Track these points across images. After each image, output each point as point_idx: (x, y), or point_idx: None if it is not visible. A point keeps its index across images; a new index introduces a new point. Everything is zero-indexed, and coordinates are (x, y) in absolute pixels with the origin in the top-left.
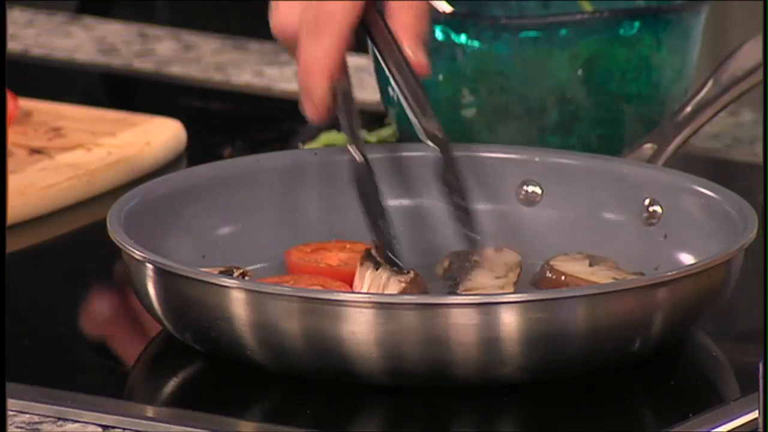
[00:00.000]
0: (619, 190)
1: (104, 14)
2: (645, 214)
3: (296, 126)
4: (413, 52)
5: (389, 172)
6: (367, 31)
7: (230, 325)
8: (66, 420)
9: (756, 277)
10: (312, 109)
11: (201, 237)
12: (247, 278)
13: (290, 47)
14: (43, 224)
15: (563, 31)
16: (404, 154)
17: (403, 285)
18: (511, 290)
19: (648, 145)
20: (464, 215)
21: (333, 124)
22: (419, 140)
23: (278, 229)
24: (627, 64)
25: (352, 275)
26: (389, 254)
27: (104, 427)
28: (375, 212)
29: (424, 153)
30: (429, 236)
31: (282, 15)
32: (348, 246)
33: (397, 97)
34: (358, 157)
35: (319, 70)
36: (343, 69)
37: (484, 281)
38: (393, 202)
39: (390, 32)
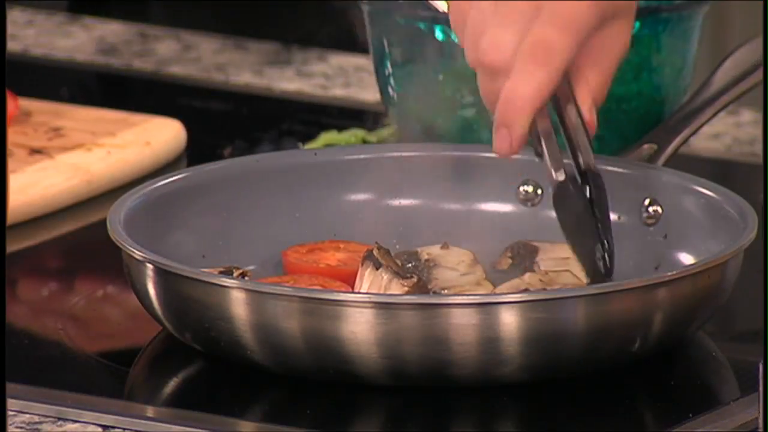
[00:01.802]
0: (619, 190)
1: (98, 13)
2: (645, 214)
3: (296, 126)
4: (590, 113)
5: (389, 172)
6: None
7: (230, 325)
8: (66, 420)
9: (756, 277)
10: (506, 144)
11: (201, 237)
12: (246, 278)
13: (493, 74)
14: (43, 224)
15: None
16: (404, 154)
17: (406, 289)
18: (487, 284)
19: (648, 145)
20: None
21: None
22: (419, 140)
23: (278, 229)
24: (627, 64)
25: (351, 275)
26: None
27: (104, 427)
28: (593, 231)
29: (424, 153)
30: (428, 236)
31: (497, 41)
32: (342, 246)
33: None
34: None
35: (526, 105)
36: (545, 108)
37: (450, 278)
38: (393, 202)
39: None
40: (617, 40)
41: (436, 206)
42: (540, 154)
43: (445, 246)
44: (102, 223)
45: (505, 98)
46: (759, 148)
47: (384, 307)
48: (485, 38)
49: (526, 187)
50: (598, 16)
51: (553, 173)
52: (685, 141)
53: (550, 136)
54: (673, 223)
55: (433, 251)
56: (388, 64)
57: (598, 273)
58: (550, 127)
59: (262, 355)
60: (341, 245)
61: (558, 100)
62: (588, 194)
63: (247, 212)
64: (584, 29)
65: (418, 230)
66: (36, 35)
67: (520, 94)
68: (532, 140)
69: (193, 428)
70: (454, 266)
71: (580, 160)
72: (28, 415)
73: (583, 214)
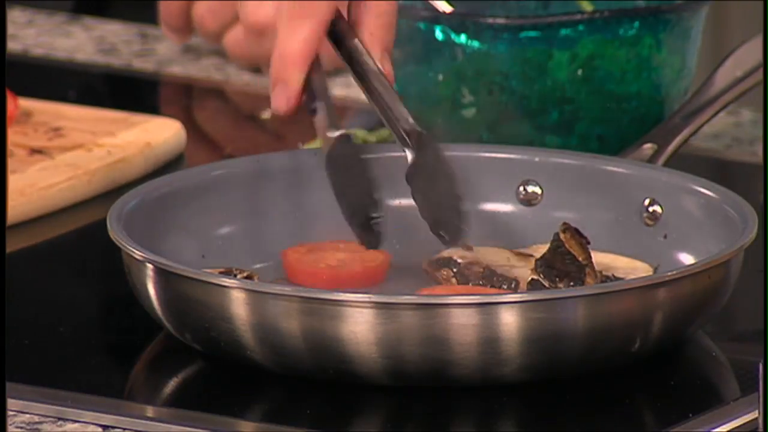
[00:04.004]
0: (619, 190)
1: (101, 14)
2: (645, 214)
3: (296, 126)
4: (381, 64)
5: (389, 172)
6: (336, 42)
7: (230, 325)
8: (66, 420)
9: (756, 277)
10: (282, 100)
11: (201, 237)
12: (256, 280)
13: (259, 34)
14: (43, 224)
15: (563, 31)
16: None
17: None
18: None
19: (648, 145)
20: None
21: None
22: None
23: (278, 229)
24: (627, 64)
25: (351, 275)
26: (367, 234)
27: (104, 427)
28: (355, 192)
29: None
30: (429, 236)
31: (258, 3)
32: (342, 246)
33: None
34: (334, 136)
35: (296, 59)
36: (317, 61)
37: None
38: (393, 202)
39: (358, 38)
40: None
41: None
42: (314, 111)
43: (468, 248)
44: (102, 223)
45: (277, 55)
46: (759, 148)
47: (384, 307)
48: (246, 3)
49: (526, 187)
50: None
51: (326, 131)
52: (685, 141)
53: (325, 91)
54: (673, 223)
55: (464, 254)
56: None
57: (371, 238)
58: (325, 82)
59: (262, 355)
60: (341, 245)
61: (353, 63)
62: (411, 157)
63: (247, 212)
64: None
65: (418, 230)
66: (36, 35)
67: (289, 49)
68: (306, 99)
69: (193, 428)
70: (505, 262)
71: (402, 125)
72: (28, 415)
73: (356, 176)
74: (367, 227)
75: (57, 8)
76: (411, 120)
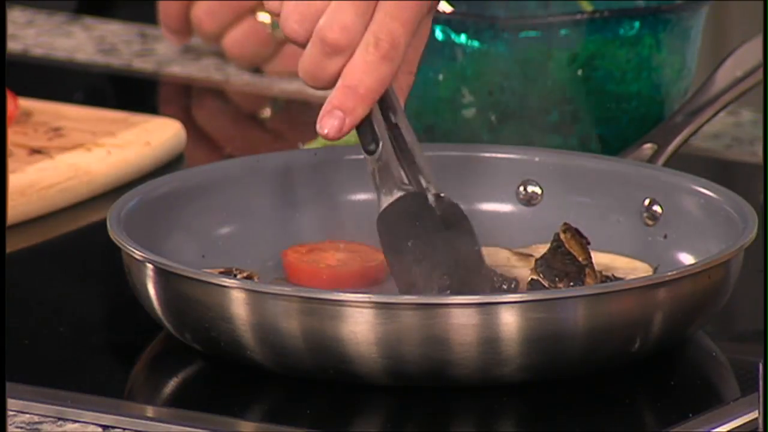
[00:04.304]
0: (619, 190)
1: (103, 14)
2: (645, 214)
3: (296, 126)
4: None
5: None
6: None
7: (230, 325)
8: (66, 420)
9: (756, 277)
10: (337, 128)
11: (201, 237)
12: (256, 280)
13: (331, 53)
14: (43, 224)
15: (563, 31)
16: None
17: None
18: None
19: (648, 145)
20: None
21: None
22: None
23: (278, 229)
24: (627, 64)
25: (352, 275)
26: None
27: (104, 427)
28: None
29: (424, 153)
30: None
31: (338, 18)
32: (342, 246)
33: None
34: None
35: (367, 95)
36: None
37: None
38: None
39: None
40: (423, 37)
41: None
42: (371, 152)
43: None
44: (102, 223)
45: (348, 84)
46: (759, 148)
47: (384, 307)
48: (328, 15)
49: (526, 187)
50: (426, 12)
51: (380, 190)
52: (685, 141)
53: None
54: (673, 223)
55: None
56: None
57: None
58: (382, 122)
59: (262, 355)
60: (341, 245)
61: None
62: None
63: (247, 212)
64: (418, 21)
65: None
66: (36, 35)
67: (365, 83)
68: (365, 136)
69: (193, 428)
70: (505, 262)
71: (429, 186)
72: (28, 415)
73: (423, 234)
74: (409, 283)
75: (57, 8)
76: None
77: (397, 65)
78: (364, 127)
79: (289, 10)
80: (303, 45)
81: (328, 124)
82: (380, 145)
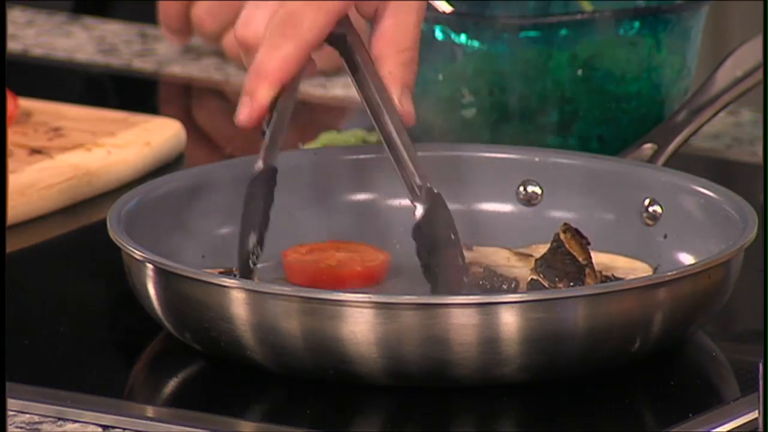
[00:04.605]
0: (619, 190)
1: (101, 14)
2: (645, 214)
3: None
4: (401, 103)
5: (389, 172)
6: (346, 59)
7: (230, 325)
8: (66, 420)
9: (756, 277)
10: (245, 113)
11: (201, 237)
12: (256, 280)
13: (247, 54)
14: (43, 224)
15: (563, 31)
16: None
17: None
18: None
19: (648, 145)
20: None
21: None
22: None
23: (277, 229)
24: (627, 64)
25: (352, 276)
26: (244, 266)
27: (104, 427)
28: (254, 222)
29: (424, 153)
30: None
31: (250, 18)
32: (342, 246)
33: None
34: (263, 164)
35: (269, 75)
36: (293, 84)
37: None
38: (393, 202)
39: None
40: (407, 12)
41: None
42: (263, 134)
43: (468, 247)
44: (102, 223)
45: (253, 68)
46: (759, 148)
47: (384, 307)
48: (240, 16)
49: (526, 187)
50: None
51: (259, 160)
52: (685, 141)
53: (282, 118)
54: (673, 223)
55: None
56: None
57: (245, 268)
58: (288, 109)
59: (262, 355)
60: (341, 245)
61: (363, 90)
62: (420, 214)
63: None
64: (337, 3)
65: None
66: (36, 35)
67: (265, 64)
68: (266, 119)
69: (193, 428)
70: (505, 262)
71: (414, 179)
72: (28, 415)
73: (259, 211)
74: (245, 260)
75: (57, 8)
76: (422, 174)
77: (304, 42)
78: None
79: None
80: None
81: (240, 112)
82: (270, 129)
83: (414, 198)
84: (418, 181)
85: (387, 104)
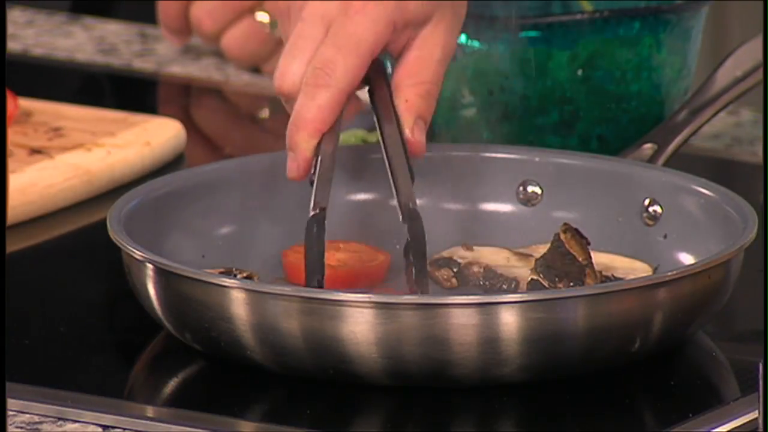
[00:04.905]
0: (619, 190)
1: (101, 13)
2: (645, 214)
3: None
4: (412, 132)
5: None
6: (370, 94)
7: (230, 325)
8: (66, 420)
9: (756, 277)
10: (294, 168)
11: (201, 237)
12: (256, 280)
13: (288, 104)
14: (43, 224)
15: (563, 31)
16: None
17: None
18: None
19: (648, 145)
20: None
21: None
22: None
23: (278, 229)
24: (627, 64)
25: (352, 275)
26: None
27: (104, 427)
28: (314, 268)
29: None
30: (428, 236)
31: (286, 70)
32: (342, 246)
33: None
34: (314, 206)
35: (308, 126)
36: (333, 129)
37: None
38: (393, 202)
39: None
40: (432, 47)
41: (437, 206)
42: (312, 183)
43: (468, 247)
44: (102, 223)
45: (291, 122)
46: (759, 148)
47: (384, 307)
48: (277, 67)
49: (526, 187)
50: (386, 31)
51: (311, 205)
52: (685, 141)
53: (327, 162)
54: (673, 223)
55: (464, 254)
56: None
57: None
58: (331, 153)
59: (262, 355)
60: (341, 245)
61: (380, 120)
62: (411, 238)
63: (247, 212)
64: (369, 47)
65: None
66: (36, 35)
67: (303, 116)
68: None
69: (193, 428)
70: (505, 262)
71: (401, 197)
72: (28, 415)
73: (315, 256)
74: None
75: (57, 8)
76: (411, 199)
77: (339, 90)
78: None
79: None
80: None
81: (288, 167)
82: (316, 174)
83: (402, 217)
84: (405, 201)
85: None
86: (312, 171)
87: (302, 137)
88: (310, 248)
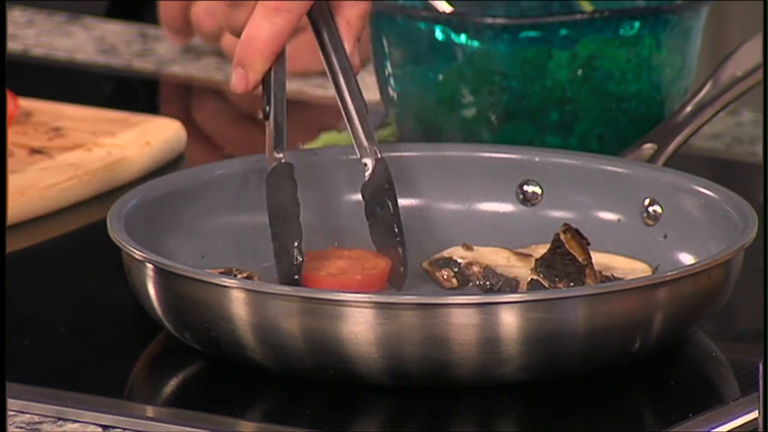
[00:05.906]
0: (619, 190)
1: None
2: (645, 214)
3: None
4: (352, 56)
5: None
6: (315, 29)
7: (230, 325)
8: (66, 420)
9: (756, 277)
10: (242, 83)
11: (201, 237)
12: (256, 280)
13: (234, 4)
14: (43, 224)
15: (563, 31)
16: (404, 154)
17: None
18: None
19: (648, 145)
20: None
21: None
22: (419, 140)
23: None
24: (627, 64)
25: (352, 283)
26: (289, 276)
27: (104, 427)
28: (292, 232)
29: (424, 153)
30: (428, 236)
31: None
32: (345, 254)
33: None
34: (274, 160)
35: (264, 46)
36: (282, 55)
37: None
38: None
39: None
40: None
41: (436, 206)
42: (267, 115)
43: (468, 247)
44: (102, 223)
45: (245, 39)
46: (759, 148)
47: (384, 307)
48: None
49: (526, 187)
50: None
51: (274, 152)
52: (685, 141)
53: (282, 95)
54: (673, 223)
55: (464, 254)
56: (388, 64)
57: (287, 268)
58: (284, 84)
59: (262, 355)
60: (345, 253)
61: (327, 55)
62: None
63: (247, 212)
64: None
65: (418, 230)
66: (36, 35)
67: (259, 37)
68: (263, 98)
69: (193, 428)
70: (505, 262)
71: (364, 143)
72: (28, 415)
73: (290, 205)
74: (289, 268)
75: (57, 8)
76: (369, 135)
77: (296, 14)
78: (263, 86)
79: None
80: None
81: (236, 81)
82: (272, 107)
83: (363, 155)
84: (365, 142)
85: (347, 69)
86: (265, 103)
87: (257, 58)
88: (280, 206)
